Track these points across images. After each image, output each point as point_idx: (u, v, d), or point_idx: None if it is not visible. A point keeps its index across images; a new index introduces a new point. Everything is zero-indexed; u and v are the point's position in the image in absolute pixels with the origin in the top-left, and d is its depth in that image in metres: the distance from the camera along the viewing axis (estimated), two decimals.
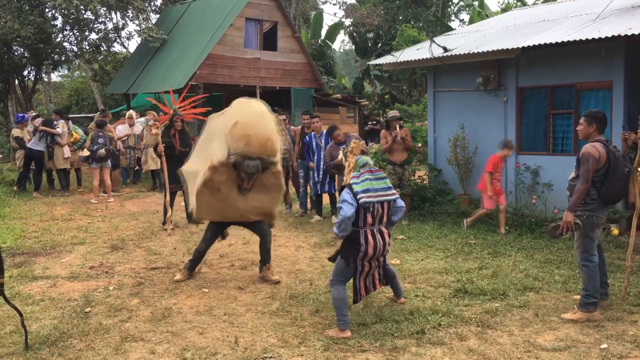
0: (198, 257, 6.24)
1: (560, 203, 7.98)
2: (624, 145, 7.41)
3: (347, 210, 4.59)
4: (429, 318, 4.78)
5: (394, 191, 4.86)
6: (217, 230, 6.33)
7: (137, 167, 13.98)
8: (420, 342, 4.36)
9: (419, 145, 13.72)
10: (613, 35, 7.05)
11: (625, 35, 6.97)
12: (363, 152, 5.15)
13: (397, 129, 8.78)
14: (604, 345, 4.19)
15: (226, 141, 5.73)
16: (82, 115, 23.57)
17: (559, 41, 7.56)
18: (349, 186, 4.74)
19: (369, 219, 4.71)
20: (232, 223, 6.38)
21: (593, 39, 7.22)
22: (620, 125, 7.62)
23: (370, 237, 4.70)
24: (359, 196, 4.64)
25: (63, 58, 20.74)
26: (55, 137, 12.24)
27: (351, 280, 4.83)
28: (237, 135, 5.65)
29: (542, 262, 6.43)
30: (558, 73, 8.35)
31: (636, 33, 6.87)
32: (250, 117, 5.80)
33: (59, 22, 19.98)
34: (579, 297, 5.04)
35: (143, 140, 13.10)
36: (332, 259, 5.00)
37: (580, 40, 7.34)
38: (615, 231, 7.46)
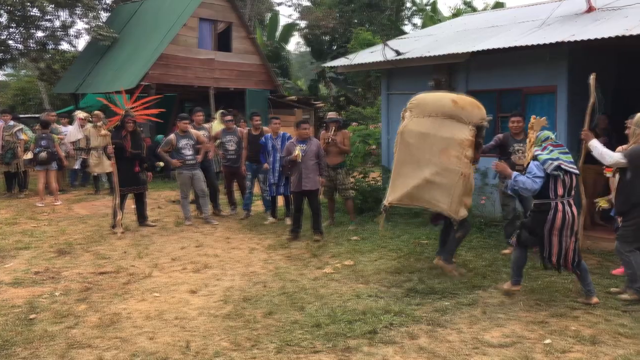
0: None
1: None
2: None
3: (530, 184, 4.91)
4: (382, 318, 4.84)
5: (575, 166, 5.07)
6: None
7: (82, 169, 13.60)
8: (372, 342, 4.41)
9: (374, 147, 13.87)
10: (557, 42, 7.32)
11: (569, 42, 7.25)
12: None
13: (332, 130, 8.74)
14: (548, 341, 4.34)
15: (459, 119, 6.01)
16: (29, 115, 22.74)
17: (506, 46, 7.79)
18: (534, 158, 5.02)
19: (560, 190, 4.96)
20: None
21: (538, 44, 7.48)
22: (563, 128, 7.93)
23: (561, 208, 4.96)
24: (548, 162, 4.92)
25: (8, 56, 19.97)
26: None
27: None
28: (468, 106, 6.09)
29: (490, 261, 6.60)
30: (506, 77, 8.60)
31: (579, 39, 7.15)
32: (455, 94, 6.38)
33: (3, 19, 19.24)
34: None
35: (94, 141, 12.73)
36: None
37: (526, 45, 7.59)
38: None
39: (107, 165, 12.24)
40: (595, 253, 6.90)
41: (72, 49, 23.64)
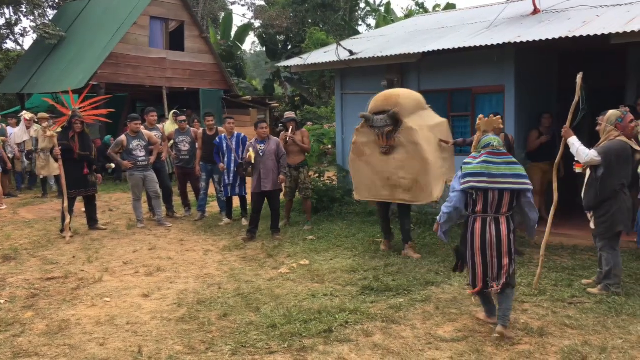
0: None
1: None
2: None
3: (446, 205, 4.42)
4: (337, 316, 4.85)
5: (524, 181, 4.36)
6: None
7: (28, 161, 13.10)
8: (327, 341, 4.42)
9: (329, 146, 13.93)
10: (504, 42, 7.52)
11: (515, 42, 7.46)
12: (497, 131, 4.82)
13: (290, 130, 8.72)
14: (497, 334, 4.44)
15: None
16: None
17: (456, 47, 7.95)
18: (461, 168, 4.46)
19: (479, 206, 4.36)
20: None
21: (486, 45, 7.67)
22: (512, 127, 8.16)
23: (478, 226, 4.39)
24: (466, 179, 4.34)
25: None
26: None
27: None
28: (371, 103, 6.98)
29: (443, 257, 6.71)
30: (456, 77, 8.77)
31: (524, 40, 7.37)
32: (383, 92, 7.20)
33: None
34: None
35: (42, 143, 12.29)
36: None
37: (475, 46, 7.77)
38: None
39: (55, 168, 11.88)
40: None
41: (18, 47, 22.86)
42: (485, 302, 4.71)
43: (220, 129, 9.50)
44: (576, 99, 5.35)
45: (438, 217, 4.61)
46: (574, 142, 5.44)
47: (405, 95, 6.96)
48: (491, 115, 5.15)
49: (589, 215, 5.59)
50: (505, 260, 4.38)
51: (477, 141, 4.64)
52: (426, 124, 6.84)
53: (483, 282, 4.47)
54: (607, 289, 5.31)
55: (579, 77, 5.33)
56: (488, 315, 4.72)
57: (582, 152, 5.35)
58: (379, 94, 7.07)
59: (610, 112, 5.42)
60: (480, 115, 5.09)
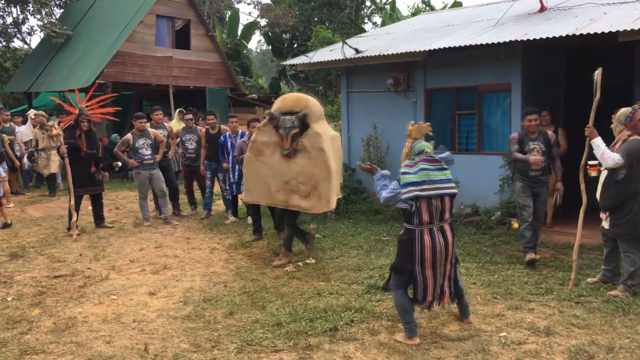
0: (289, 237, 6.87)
1: (466, 199, 8.37)
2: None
3: (383, 195, 4.32)
4: (342, 315, 4.85)
5: (453, 185, 4.36)
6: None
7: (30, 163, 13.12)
8: (333, 339, 4.42)
9: None
10: (511, 40, 7.49)
11: (522, 40, 7.42)
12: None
13: None
14: (504, 333, 4.43)
15: None
16: None
17: (462, 45, 7.92)
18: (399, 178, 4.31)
19: (425, 216, 4.26)
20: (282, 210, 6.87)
21: (493, 43, 7.63)
22: (518, 125, 8.10)
23: (427, 237, 4.27)
24: (408, 189, 4.22)
25: None
26: None
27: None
28: (277, 102, 6.81)
29: None
30: (462, 75, 8.74)
31: (531, 38, 7.33)
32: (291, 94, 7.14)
33: None
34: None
35: (41, 143, 12.26)
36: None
37: (481, 44, 7.73)
38: (515, 225, 7.90)
39: (56, 166, 12.03)
40: (549, 246, 7.10)
41: (25, 46, 22.98)
42: (408, 320, 4.38)
43: (224, 127, 9.52)
44: (597, 96, 5.12)
45: (378, 178, 4.53)
46: (600, 144, 5.21)
47: (313, 102, 6.70)
48: (420, 122, 4.82)
49: (603, 216, 5.43)
50: (448, 266, 4.36)
51: (410, 148, 4.49)
52: (329, 134, 6.66)
53: (433, 295, 4.37)
54: (629, 289, 5.17)
55: (598, 73, 5.11)
56: (408, 334, 4.37)
57: (608, 157, 5.15)
58: (287, 95, 6.94)
59: (621, 110, 5.30)
60: (411, 122, 4.77)
